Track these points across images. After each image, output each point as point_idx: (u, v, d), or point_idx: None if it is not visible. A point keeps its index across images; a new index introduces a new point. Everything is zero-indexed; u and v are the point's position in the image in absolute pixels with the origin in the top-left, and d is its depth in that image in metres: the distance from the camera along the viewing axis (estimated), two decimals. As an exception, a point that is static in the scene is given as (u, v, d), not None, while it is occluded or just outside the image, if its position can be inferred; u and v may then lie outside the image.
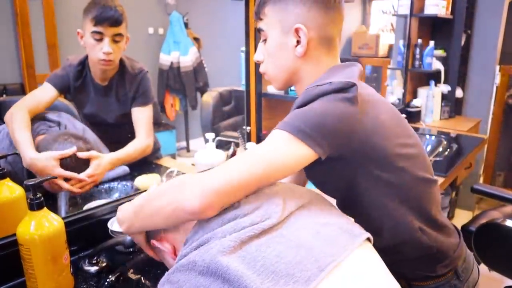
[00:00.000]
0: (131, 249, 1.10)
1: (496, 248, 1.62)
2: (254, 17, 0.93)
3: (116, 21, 1.27)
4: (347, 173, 0.84)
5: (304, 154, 0.74)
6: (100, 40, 1.26)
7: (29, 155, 1.11)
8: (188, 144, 2.43)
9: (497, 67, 3.09)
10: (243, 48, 1.66)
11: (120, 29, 1.28)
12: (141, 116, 1.42)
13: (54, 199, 1.20)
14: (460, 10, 2.88)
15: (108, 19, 1.25)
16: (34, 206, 0.84)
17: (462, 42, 2.98)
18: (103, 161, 1.22)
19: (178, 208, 0.69)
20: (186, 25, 2.29)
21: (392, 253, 0.88)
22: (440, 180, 1.76)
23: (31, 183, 0.84)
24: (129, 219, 0.79)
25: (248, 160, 0.72)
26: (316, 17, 0.85)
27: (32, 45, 1.32)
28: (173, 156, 2.14)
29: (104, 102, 1.40)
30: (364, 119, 0.80)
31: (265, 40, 0.91)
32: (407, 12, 2.67)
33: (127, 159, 1.36)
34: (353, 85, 0.78)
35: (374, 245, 0.75)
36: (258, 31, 0.93)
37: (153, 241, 0.79)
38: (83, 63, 1.35)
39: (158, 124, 2.08)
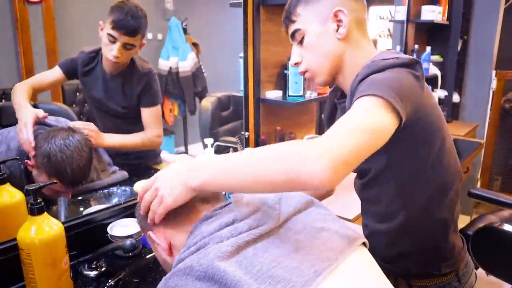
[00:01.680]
0: (130, 254, 1.10)
1: (494, 252, 1.62)
2: (285, 23, 0.97)
3: (131, 32, 1.30)
4: (405, 147, 0.85)
5: (395, 119, 0.73)
6: (113, 42, 1.30)
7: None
8: (186, 149, 2.43)
9: (493, 72, 3.12)
10: (242, 54, 1.67)
11: (134, 40, 1.32)
12: (151, 114, 1.47)
13: (54, 203, 1.21)
14: (456, 16, 2.91)
15: (124, 28, 1.28)
16: (35, 210, 0.85)
17: (459, 48, 3.01)
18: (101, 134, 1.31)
19: (299, 180, 0.63)
20: (185, 30, 2.29)
21: (401, 239, 0.91)
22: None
23: (32, 188, 0.84)
24: (211, 173, 0.69)
25: (357, 130, 0.69)
26: (349, 2, 0.92)
27: (31, 50, 1.32)
28: (172, 162, 2.14)
29: (110, 90, 1.43)
30: (425, 96, 0.84)
31: (301, 41, 0.94)
32: (404, 18, 2.69)
33: (128, 145, 1.43)
34: (418, 61, 0.83)
35: (386, 227, 0.76)
36: (292, 34, 0.96)
37: (150, 233, 0.80)
38: (97, 51, 1.39)
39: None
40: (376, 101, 0.73)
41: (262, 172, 0.66)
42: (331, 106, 1.07)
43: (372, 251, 0.76)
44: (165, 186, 0.71)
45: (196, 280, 0.61)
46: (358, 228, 1.18)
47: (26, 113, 1.16)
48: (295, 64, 0.98)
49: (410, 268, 0.94)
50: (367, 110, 0.72)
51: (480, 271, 1.63)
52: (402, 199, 0.91)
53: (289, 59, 1.66)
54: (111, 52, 1.30)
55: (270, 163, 0.65)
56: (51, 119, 1.29)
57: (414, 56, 2.73)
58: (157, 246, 0.77)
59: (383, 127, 0.72)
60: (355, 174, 1.04)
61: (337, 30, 0.91)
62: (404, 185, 0.90)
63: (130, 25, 1.29)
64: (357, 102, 0.75)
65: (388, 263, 0.94)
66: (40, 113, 1.17)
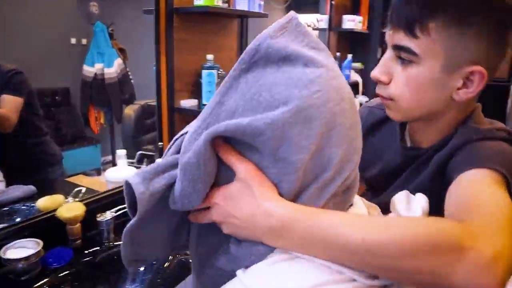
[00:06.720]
0: (22, 278, 1.05)
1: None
2: (397, 25, 0.69)
3: None
4: None
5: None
6: None
7: None
8: (114, 158, 2.37)
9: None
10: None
11: None
12: (9, 100, 1.37)
13: None
14: (375, 25, 3.08)
15: None
16: None
17: (379, 55, 3.18)
18: None
19: (439, 282, 0.47)
20: (111, 35, 2.24)
21: None
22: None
23: None
24: (279, 233, 0.48)
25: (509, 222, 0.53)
26: (494, 57, 0.69)
27: None
28: (98, 171, 2.08)
29: None
30: None
31: (404, 61, 0.71)
32: (326, 26, 2.81)
33: None
34: None
35: None
36: (399, 48, 0.70)
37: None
38: None
39: (82, 138, 2.01)
40: (497, 177, 0.63)
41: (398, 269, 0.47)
42: (402, 158, 0.84)
43: None
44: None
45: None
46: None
47: None
48: (376, 79, 0.75)
49: None
50: (497, 188, 0.61)
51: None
52: None
53: (203, 68, 1.66)
54: None
55: (412, 257, 0.46)
56: None
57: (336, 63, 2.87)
58: None
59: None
60: None
61: (458, 89, 0.70)
62: None
63: None
64: (483, 175, 0.64)
65: None
66: None
